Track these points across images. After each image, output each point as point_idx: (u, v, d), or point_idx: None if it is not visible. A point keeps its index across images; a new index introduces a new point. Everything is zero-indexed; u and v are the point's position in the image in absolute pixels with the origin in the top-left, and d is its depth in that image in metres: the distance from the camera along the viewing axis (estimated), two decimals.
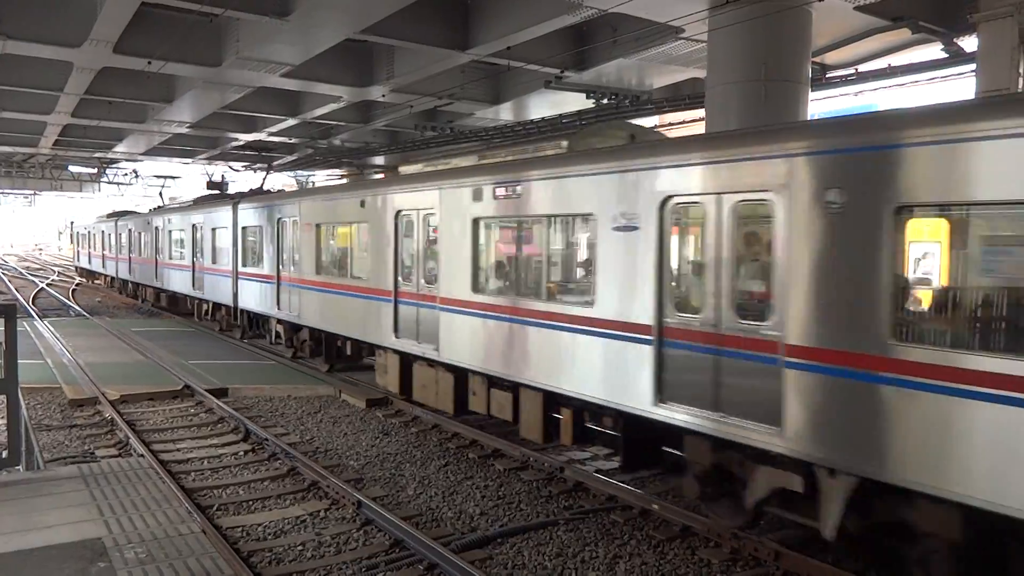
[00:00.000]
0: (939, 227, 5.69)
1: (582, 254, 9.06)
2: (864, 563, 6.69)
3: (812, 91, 14.30)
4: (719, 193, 6.85)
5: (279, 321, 16.97)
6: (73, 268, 49.28)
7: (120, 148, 33.84)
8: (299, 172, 40.83)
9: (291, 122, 26.18)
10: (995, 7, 11.76)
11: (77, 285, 40.41)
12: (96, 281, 40.48)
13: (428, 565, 6.77)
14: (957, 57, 14.54)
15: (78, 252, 46.10)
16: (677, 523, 7.69)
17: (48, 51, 16.73)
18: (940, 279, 5.73)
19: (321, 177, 41.42)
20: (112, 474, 6.75)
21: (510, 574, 6.73)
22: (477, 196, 9.94)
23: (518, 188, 9.29)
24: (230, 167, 37.74)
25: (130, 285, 31.74)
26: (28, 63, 18.82)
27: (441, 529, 7.69)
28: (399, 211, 11.81)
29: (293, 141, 30.68)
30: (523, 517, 8.05)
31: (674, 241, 7.51)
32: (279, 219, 16.37)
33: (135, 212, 34.63)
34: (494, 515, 8.10)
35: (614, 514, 8.08)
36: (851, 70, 17.33)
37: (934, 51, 15.41)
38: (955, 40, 14.13)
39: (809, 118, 13.19)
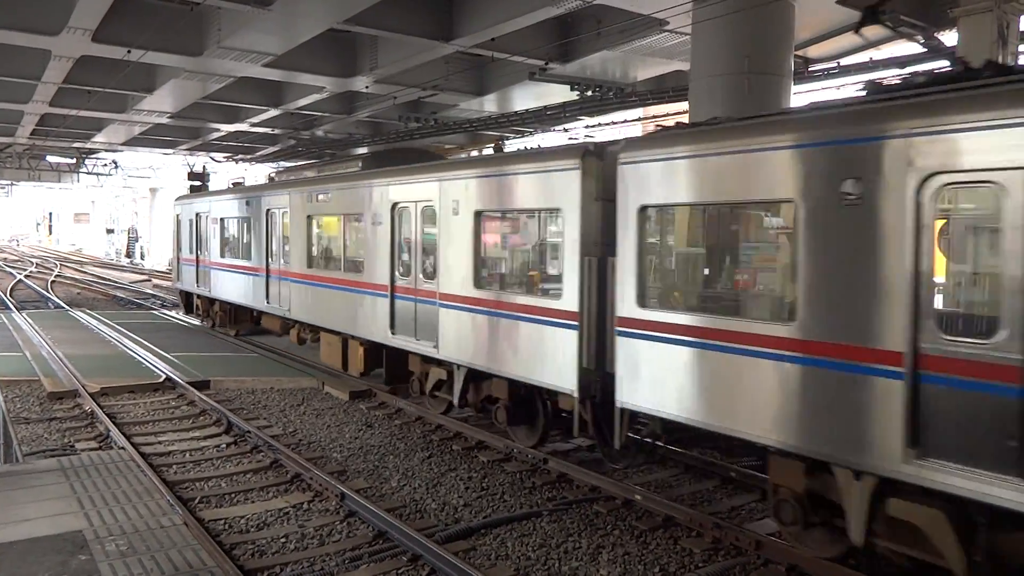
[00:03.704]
0: None
1: None
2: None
3: (795, 84, 14.37)
4: None
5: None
6: (179, 295, 24.11)
7: (99, 138, 33.38)
8: (281, 163, 40.49)
9: (273, 112, 25.96)
10: (975, 2, 11.85)
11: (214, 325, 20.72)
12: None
13: (411, 556, 6.78)
14: (937, 51, 14.64)
15: (197, 263, 20.95)
16: (659, 513, 7.75)
17: (24, 39, 16.45)
18: None
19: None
20: (92, 467, 6.71)
21: (493, 565, 6.75)
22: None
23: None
24: (212, 158, 37.37)
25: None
26: (4, 51, 18.49)
27: (425, 520, 7.70)
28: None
29: (276, 132, 30.44)
30: (506, 508, 8.08)
31: None
32: None
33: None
34: (478, 506, 8.13)
35: (597, 505, 8.14)
36: (833, 63, 17.43)
37: (915, 45, 15.52)
38: (935, 35, 14.24)
39: None
